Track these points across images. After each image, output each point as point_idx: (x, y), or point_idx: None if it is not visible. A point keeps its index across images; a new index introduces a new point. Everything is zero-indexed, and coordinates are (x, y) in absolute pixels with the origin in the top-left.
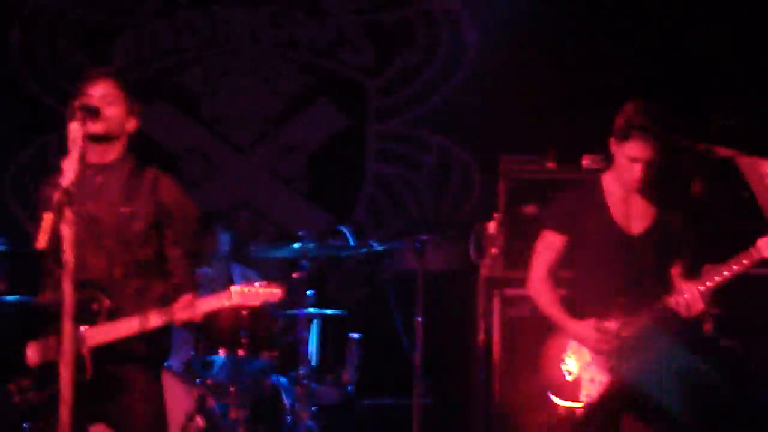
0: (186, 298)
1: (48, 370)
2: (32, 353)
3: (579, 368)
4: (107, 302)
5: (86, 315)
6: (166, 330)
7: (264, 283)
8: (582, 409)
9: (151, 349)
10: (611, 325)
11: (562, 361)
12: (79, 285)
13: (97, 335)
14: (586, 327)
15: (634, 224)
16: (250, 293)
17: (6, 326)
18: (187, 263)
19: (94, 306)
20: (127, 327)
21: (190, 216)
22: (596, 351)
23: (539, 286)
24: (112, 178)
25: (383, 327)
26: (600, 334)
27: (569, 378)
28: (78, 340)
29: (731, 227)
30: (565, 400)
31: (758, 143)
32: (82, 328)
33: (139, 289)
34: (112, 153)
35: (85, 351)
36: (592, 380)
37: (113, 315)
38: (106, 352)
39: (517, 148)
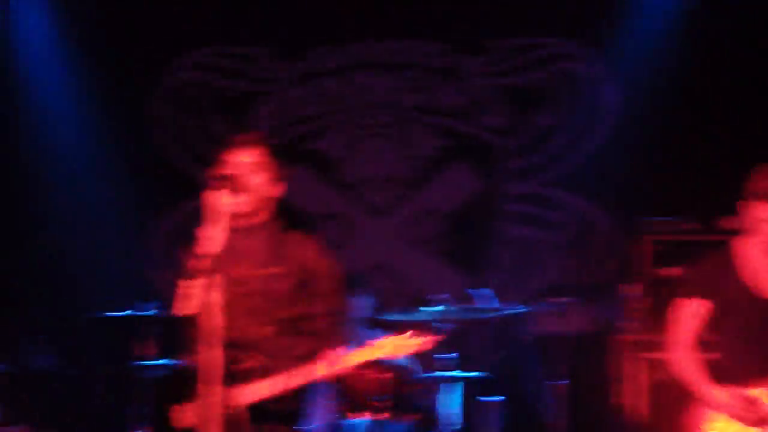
0: (332, 352)
1: None
2: (178, 417)
3: None
4: (253, 360)
5: (232, 374)
6: (305, 392)
7: (412, 333)
8: None
9: (288, 406)
10: (759, 393)
11: (707, 428)
12: (228, 345)
13: (244, 394)
14: (731, 396)
15: None
16: (399, 344)
17: (158, 389)
18: (333, 320)
19: (246, 365)
20: (276, 384)
21: (333, 275)
22: (742, 420)
23: (680, 354)
24: (258, 240)
25: (522, 390)
26: (745, 404)
27: None
28: (226, 400)
29: None
30: None
31: None
32: (228, 388)
33: (287, 346)
34: (258, 217)
35: (233, 411)
36: None
37: (264, 373)
38: (253, 412)
39: (659, 208)
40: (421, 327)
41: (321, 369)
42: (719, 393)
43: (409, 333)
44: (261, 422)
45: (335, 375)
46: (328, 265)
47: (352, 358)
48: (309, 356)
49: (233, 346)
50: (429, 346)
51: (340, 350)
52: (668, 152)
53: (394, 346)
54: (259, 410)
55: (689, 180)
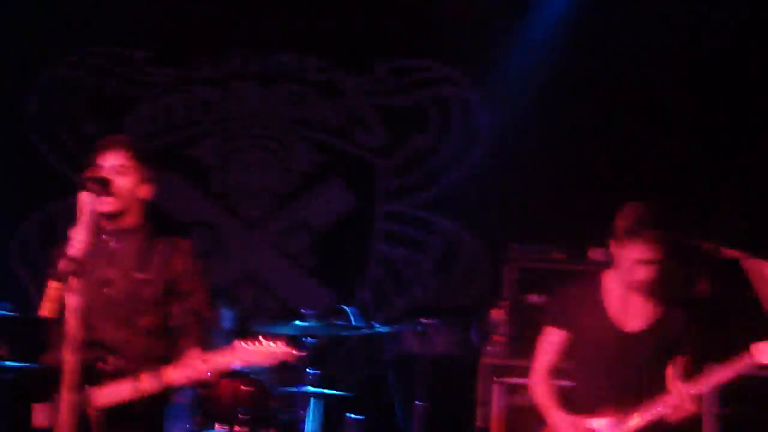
0: (193, 354)
1: None
2: (38, 417)
3: None
4: (114, 362)
5: (93, 375)
6: (164, 396)
7: (275, 341)
8: None
9: (150, 411)
10: (600, 423)
11: None
12: (87, 345)
13: (103, 396)
14: (570, 424)
15: (631, 322)
16: (261, 350)
17: (7, 392)
18: (195, 322)
19: (100, 365)
20: (133, 387)
21: (199, 277)
22: None
23: (537, 381)
24: (127, 244)
25: (384, 409)
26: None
27: None
28: (84, 401)
29: (736, 327)
30: None
31: (762, 242)
32: (88, 389)
33: (146, 350)
34: (127, 220)
35: (92, 412)
36: None
37: (120, 375)
38: (111, 414)
39: (525, 235)
40: (289, 340)
41: (181, 372)
42: (562, 420)
43: (278, 342)
44: (117, 426)
45: (195, 379)
46: (195, 268)
47: (213, 361)
48: (170, 359)
49: (94, 348)
50: (292, 358)
51: (201, 353)
52: (540, 180)
53: (258, 353)
54: (116, 413)
55: (560, 209)
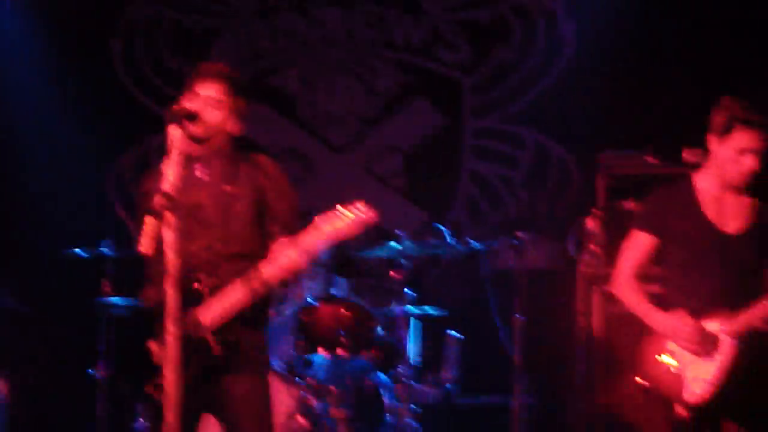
0: (282, 244)
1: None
2: (156, 352)
3: (680, 366)
4: (208, 280)
5: (191, 297)
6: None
7: (353, 206)
8: (684, 410)
9: (251, 313)
10: (713, 326)
11: (663, 358)
12: (188, 271)
13: (209, 313)
14: (678, 320)
15: (730, 223)
16: (342, 217)
17: (120, 327)
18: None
19: (196, 286)
20: (233, 294)
21: (290, 195)
22: (688, 348)
23: (625, 284)
24: (214, 165)
25: (483, 325)
26: (692, 330)
27: (671, 374)
28: (195, 324)
29: None
30: (667, 398)
31: None
32: (191, 312)
33: (239, 266)
34: (214, 144)
35: (205, 333)
36: (695, 379)
37: (215, 292)
38: (223, 326)
39: (616, 142)
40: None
41: (275, 265)
42: (671, 321)
43: (356, 205)
44: (228, 335)
45: (291, 269)
46: (285, 185)
47: (302, 243)
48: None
49: (190, 272)
50: (372, 219)
51: (288, 241)
52: (628, 85)
53: (340, 220)
54: (225, 326)
55: (649, 113)
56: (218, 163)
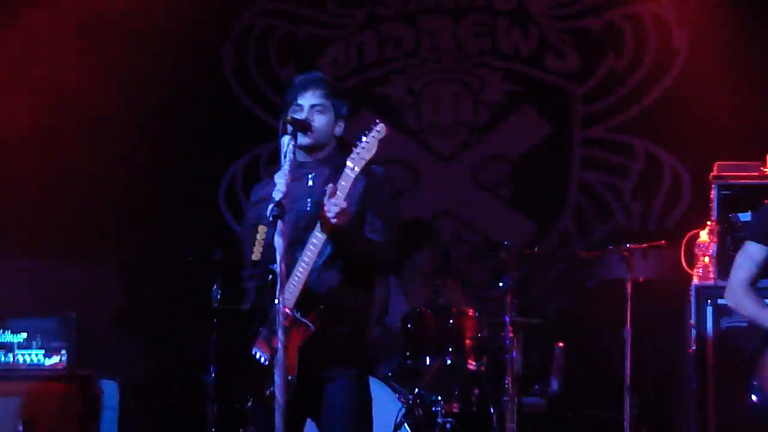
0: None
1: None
2: (258, 353)
3: None
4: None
5: (302, 302)
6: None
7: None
8: None
9: (353, 343)
10: None
11: None
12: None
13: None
14: None
15: None
16: (361, 146)
17: (229, 330)
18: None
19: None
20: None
21: (390, 206)
22: None
23: (741, 293)
24: (320, 173)
25: (590, 336)
26: None
27: None
28: (301, 329)
29: None
30: None
31: None
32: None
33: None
34: (322, 154)
35: (309, 333)
36: None
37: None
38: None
39: (730, 152)
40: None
41: (327, 221)
42: None
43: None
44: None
45: (344, 214)
46: (387, 196)
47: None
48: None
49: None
50: (387, 130)
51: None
52: (742, 94)
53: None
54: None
55: (765, 123)
56: (324, 170)
